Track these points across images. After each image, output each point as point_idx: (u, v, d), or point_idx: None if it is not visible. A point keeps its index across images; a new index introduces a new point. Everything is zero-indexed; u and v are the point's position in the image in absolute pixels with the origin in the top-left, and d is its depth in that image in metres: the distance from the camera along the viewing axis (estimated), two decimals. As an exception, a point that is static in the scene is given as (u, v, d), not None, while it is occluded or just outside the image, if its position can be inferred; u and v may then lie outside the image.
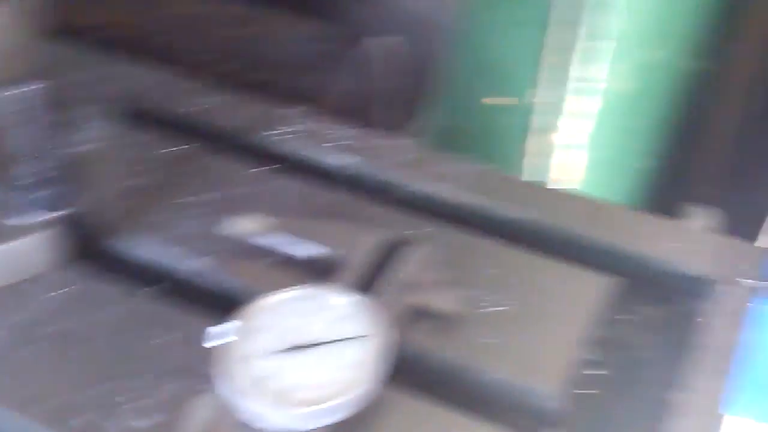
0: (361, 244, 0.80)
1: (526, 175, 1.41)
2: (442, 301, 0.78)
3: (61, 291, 0.81)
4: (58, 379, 0.73)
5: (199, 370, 0.70)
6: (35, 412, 0.70)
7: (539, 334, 0.77)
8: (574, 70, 1.36)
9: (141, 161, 0.94)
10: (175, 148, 0.96)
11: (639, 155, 1.52)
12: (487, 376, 0.75)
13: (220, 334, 0.68)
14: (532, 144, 1.36)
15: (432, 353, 0.76)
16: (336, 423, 0.66)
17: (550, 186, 1.38)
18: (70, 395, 0.72)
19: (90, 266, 0.84)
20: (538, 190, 0.95)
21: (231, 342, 0.67)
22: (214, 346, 0.67)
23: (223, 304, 0.77)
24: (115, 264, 0.86)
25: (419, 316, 0.77)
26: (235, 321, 0.69)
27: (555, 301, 0.80)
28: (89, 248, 0.86)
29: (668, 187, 1.69)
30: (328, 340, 0.68)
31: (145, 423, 0.69)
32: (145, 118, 1.00)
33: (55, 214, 0.82)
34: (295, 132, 0.98)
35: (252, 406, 0.64)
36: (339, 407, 0.65)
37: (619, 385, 0.77)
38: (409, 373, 0.75)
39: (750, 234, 1.32)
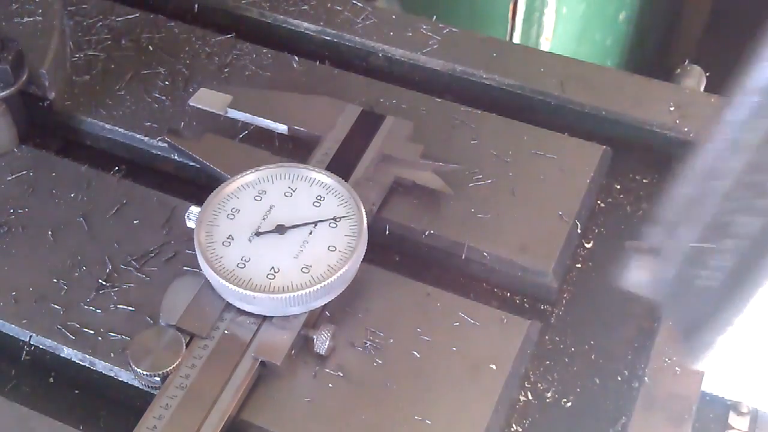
0: (337, 119, 0.75)
1: (514, 36, 1.34)
2: (428, 176, 0.73)
3: (19, 174, 0.76)
4: (32, 265, 0.70)
5: (181, 251, 0.69)
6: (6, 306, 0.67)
7: (530, 208, 0.73)
8: None
9: (90, 32, 0.87)
10: (130, 16, 0.89)
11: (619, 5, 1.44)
12: (478, 253, 0.71)
13: (200, 214, 0.66)
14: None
15: (419, 231, 0.72)
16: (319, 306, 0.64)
17: (537, 46, 1.32)
18: (48, 278, 0.69)
19: (46, 148, 0.79)
20: (520, 53, 0.89)
21: (212, 222, 0.66)
22: (195, 226, 0.65)
23: (198, 183, 0.75)
24: (74, 145, 0.81)
25: (404, 193, 0.73)
26: (214, 200, 0.67)
27: (543, 172, 0.76)
28: (43, 129, 0.81)
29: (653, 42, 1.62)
30: (309, 221, 0.66)
31: (128, 305, 0.67)
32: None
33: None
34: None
35: (235, 288, 0.62)
36: (321, 291, 0.62)
37: (615, 258, 0.73)
38: (395, 251, 0.72)
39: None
